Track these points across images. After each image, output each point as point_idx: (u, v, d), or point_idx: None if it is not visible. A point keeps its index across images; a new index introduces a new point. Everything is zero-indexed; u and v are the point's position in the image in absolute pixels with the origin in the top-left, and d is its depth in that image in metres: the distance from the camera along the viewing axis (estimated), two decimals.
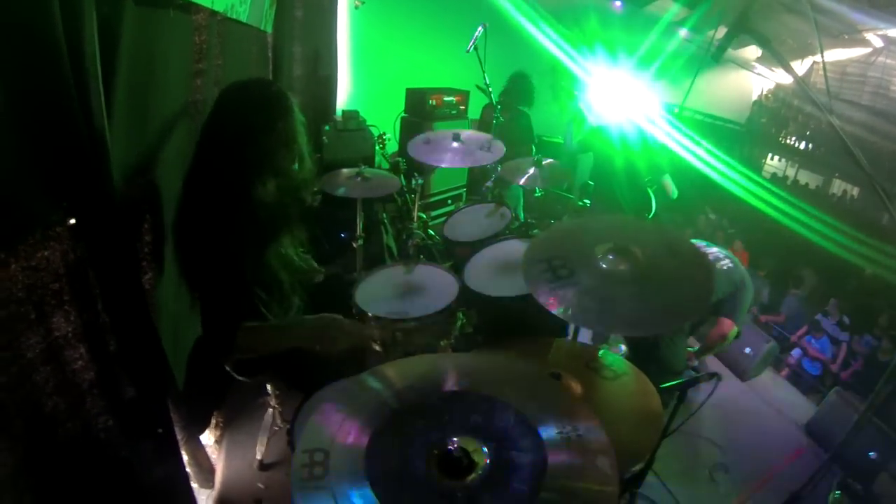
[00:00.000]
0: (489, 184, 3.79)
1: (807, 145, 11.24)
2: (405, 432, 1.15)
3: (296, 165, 1.89)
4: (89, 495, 1.45)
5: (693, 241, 3.10)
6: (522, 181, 3.24)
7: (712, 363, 3.91)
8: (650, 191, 3.98)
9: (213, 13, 2.28)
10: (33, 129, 1.19)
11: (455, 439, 1.08)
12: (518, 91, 4.95)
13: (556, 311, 1.49)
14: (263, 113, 1.76)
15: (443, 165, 3.34)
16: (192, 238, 1.73)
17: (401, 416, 1.19)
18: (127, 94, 1.62)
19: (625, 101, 4.28)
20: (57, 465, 1.33)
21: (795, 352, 6.51)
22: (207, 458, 2.45)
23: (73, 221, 1.32)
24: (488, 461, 1.07)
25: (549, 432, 1.14)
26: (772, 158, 12.13)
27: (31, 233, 1.21)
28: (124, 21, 1.56)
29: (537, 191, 4.80)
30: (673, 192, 4.00)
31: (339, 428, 1.15)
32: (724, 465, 2.91)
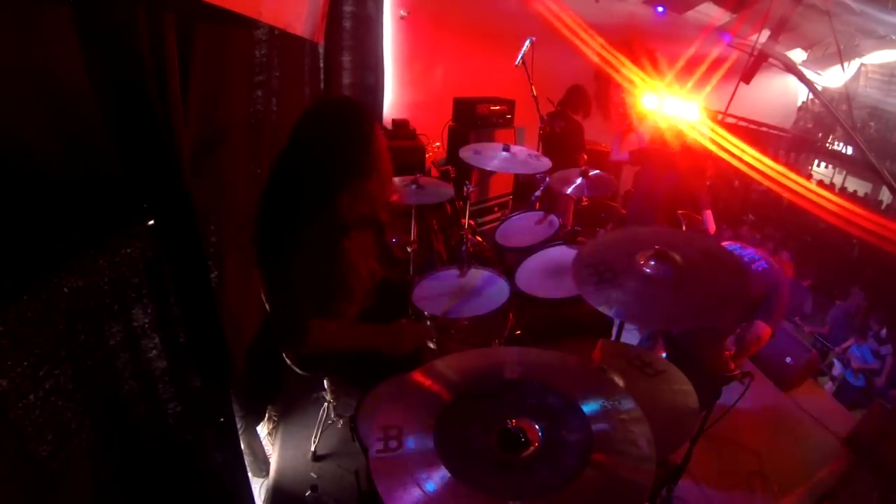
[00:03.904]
0: (538, 193, 3.86)
1: (854, 151, 10.88)
2: (469, 413, 1.29)
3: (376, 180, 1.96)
4: (155, 473, 1.57)
5: (727, 243, 3.14)
6: (570, 191, 3.32)
7: (753, 372, 3.88)
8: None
9: (273, 29, 2.40)
10: (124, 137, 1.32)
11: (513, 419, 1.21)
12: (572, 101, 5.04)
13: (600, 307, 1.66)
14: (353, 130, 1.87)
15: (493, 169, 3.41)
16: (273, 239, 1.84)
17: (465, 398, 1.33)
18: (199, 106, 1.75)
19: (670, 111, 4.29)
20: (129, 444, 1.45)
21: (837, 364, 6.33)
22: (262, 448, 2.58)
23: (151, 222, 1.45)
24: (541, 438, 1.20)
25: (593, 411, 1.27)
26: (818, 165, 11.78)
27: (117, 231, 1.33)
28: (197, 38, 1.69)
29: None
30: (712, 227, 4.03)
31: (411, 408, 1.30)
32: (762, 473, 2.91)
